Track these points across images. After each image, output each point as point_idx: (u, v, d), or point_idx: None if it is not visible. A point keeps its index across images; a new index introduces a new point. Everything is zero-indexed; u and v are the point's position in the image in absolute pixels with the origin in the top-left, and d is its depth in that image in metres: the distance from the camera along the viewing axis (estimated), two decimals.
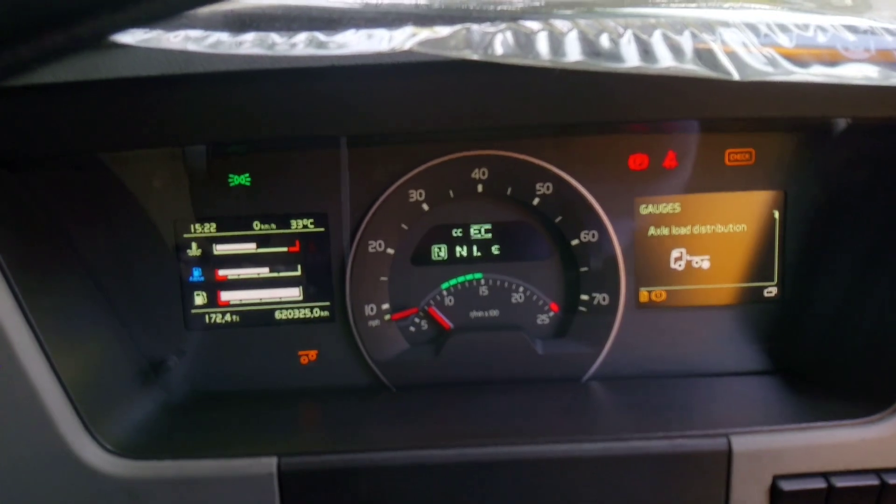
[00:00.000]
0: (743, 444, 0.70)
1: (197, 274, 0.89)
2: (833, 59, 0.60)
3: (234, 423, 0.82)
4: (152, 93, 0.65)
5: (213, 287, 0.89)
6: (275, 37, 0.59)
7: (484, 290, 0.91)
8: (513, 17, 0.59)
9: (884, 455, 0.71)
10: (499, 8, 0.63)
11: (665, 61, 0.55)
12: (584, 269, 0.89)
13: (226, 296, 0.90)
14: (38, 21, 0.25)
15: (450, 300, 0.91)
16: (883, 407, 0.73)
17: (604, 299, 0.89)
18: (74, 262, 0.81)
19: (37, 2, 0.24)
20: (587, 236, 0.88)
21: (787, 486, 0.70)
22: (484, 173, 0.87)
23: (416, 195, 0.87)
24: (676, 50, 0.56)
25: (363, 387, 0.91)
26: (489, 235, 0.90)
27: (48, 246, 0.78)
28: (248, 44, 0.59)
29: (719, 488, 0.71)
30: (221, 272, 0.89)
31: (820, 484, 0.71)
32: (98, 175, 0.84)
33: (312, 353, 0.91)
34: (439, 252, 0.90)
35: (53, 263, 0.78)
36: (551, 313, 0.92)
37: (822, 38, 0.61)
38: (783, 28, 0.61)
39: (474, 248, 0.91)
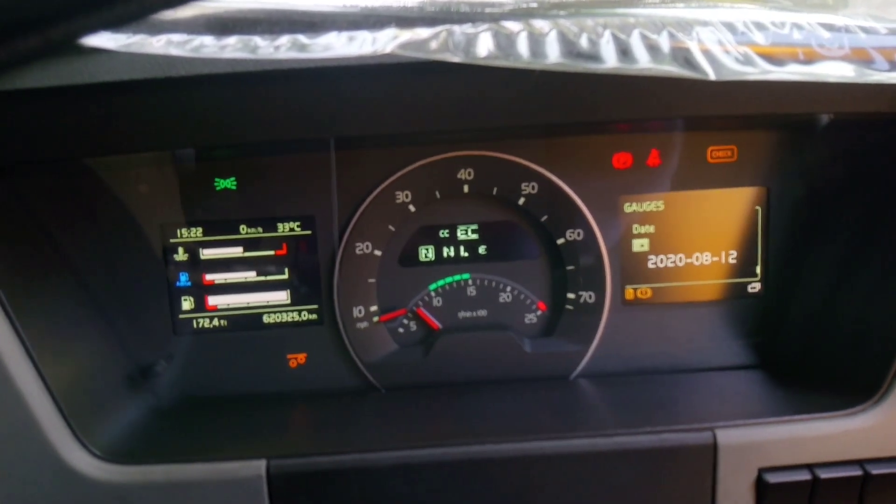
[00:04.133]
0: (728, 437, 0.71)
1: (184, 279, 0.89)
2: (809, 57, 0.61)
3: (223, 427, 0.82)
4: (135, 97, 0.65)
5: (201, 291, 0.89)
6: (258, 40, 0.59)
7: (472, 291, 0.92)
8: (493, 18, 0.59)
9: (866, 446, 0.72)
10: (486, 10, 0.63)
11: (643, 61, 0.56)
12: (570, 267, 0.90)
13: (213, 300, 0.90)
14: (10, 24, 0.25)
15: (438, 301, 0.92)
16: (865, 399, 0.74)
17: (590, 297, 0.90)
18: (62, 268, 0.80)
19: (6, 5, 0.25)
20: (573, 235, 0.89)
21: (772, 478, 0.71)
22: (470, 174, 0.88)
23: (402, 196, 0.88)
24: (654, 50, 0.57)
25: (352, 389, 0.91)
26: (476, 236, 0.91)
27: (35, 251, 0.78)
28: (231, 47, 0.59)
29: (706, 481, 0.71)
30: (209, 276, 0.89)
31: (805, 476, 0.72)
32: (84, 180, 0.84)
33: (301, 357, 0.91)
34: (427, 253, 0.91)
35: (40, 269, 0.77)
36: (539, 312, 0.93)
37: (797, 36, 0.62)
38: (760, 26, 0.61)
39: (461, 248, 0.91)
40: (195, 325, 0.90)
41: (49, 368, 0.69)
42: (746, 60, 0.58)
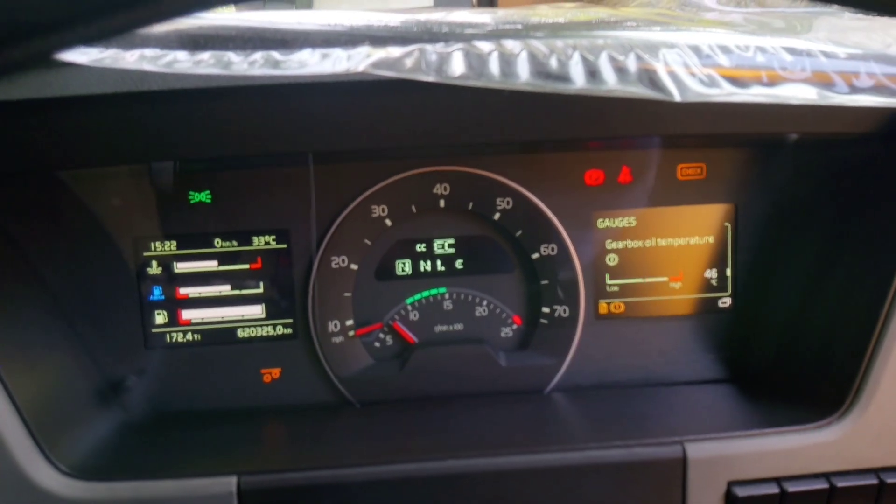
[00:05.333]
0: (697, 451, 0.72)
1: (157, 292, 0.88)
2: (772, 80, 0.63)
3: (194, 443, 0.81)
4: (108, 110, 0.65)
5: (174, 305, 0.89)
6: (231, 56, 0.60)
7: (448, 305, 0.92)
8: (465, 38, 0.60)
9: (833, 459, 0.74)
10: (466, 31, 0.64)
11: (610, 83, 0.57)
12: (544, 282, 0.91)
13: (187, 314, 0.89)
14: None
15: (414, 315, 0.92)
16: (831, 412, 0.75)
17: (564, 311, 0.91)
18: (30, 280, 0.79)
19: None
20: (547, 250, 0.90)
21: (741, 491, 0.72)
22: (446, 189, 0.88)
23: (378, 210, 0.88)
24: (621, 71, 0.58)
25: (326, 404, 0.91)
26: (452, 250, 0.91)
27: (3, 263, 0.77)
28: (205, 63, 0.59)
29: (675, 495, 0.72)
30: (182, 290, 0.89)
31: (773, 489, 0.73)
32: (56, 192, 0.83)
33: (275, 371, 0.91)
34: (403, 267, 0.91)
35: (9, 281, 0.76)
36: (514, 326, 0.93)
37: (761, 59, 0.63)
38: (724, 49, 0.63)
39: (438, 262, 0.91)
40: (168, 340, 0.89)
41: (16, 382, 0.68)
42: (711, 82, 0.60)
